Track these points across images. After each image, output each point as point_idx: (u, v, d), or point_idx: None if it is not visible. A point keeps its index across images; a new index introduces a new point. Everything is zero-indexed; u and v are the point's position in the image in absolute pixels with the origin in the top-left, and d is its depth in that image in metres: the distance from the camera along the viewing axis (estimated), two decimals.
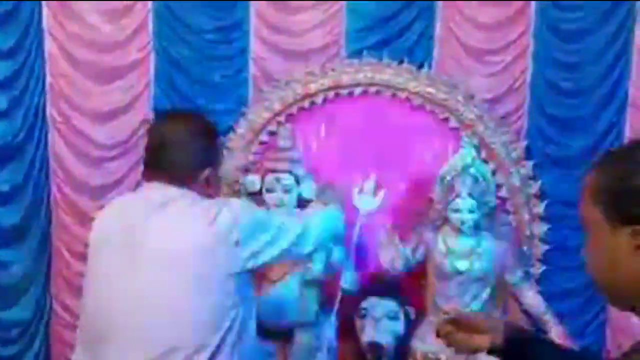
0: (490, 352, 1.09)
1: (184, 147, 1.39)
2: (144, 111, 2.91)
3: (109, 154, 2.93)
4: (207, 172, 1.39)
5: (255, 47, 2.84)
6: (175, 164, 1.38)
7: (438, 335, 1.14)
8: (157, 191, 1.39)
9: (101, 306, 1.37)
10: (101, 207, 2.88)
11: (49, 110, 2.94)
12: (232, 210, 1.34)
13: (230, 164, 2.66)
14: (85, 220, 2.94)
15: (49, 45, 2.89)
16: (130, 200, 1.53)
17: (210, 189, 1.41)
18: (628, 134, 2.68)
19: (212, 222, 1.32)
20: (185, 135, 1.40)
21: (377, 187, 2.32)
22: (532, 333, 1.26)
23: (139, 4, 2.83)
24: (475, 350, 1.11)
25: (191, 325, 1.30)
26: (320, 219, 1.55)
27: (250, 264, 1.36)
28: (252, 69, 2.85)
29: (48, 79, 2.91)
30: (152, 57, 2.87)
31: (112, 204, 1.53)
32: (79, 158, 2.94)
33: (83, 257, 2.92)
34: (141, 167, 2.83)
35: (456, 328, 1.11)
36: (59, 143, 2.95)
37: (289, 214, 1.85)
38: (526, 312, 2.50)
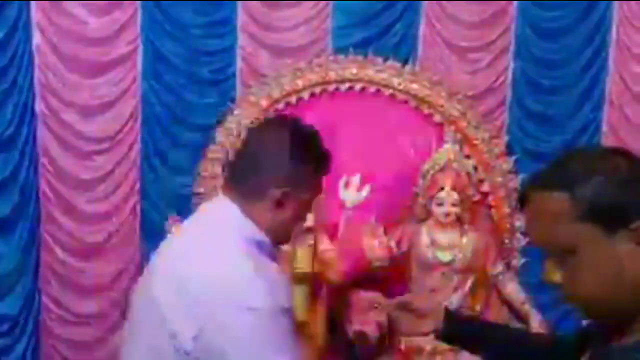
0: (436, 336, 1.15)
1: (257, 157, 1.10)
2: (132, 105, 2.94)
3: (98, 147, 2.96)
4: (278, 192, 1.07)
5: (242, 42, 2.88)
6: (244, 177, 1.10)
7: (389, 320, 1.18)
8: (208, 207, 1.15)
9: None
10: (89, 201, 2.96)
11: (38, 104, 2.96)
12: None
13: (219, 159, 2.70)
14: (74, 213, 2.97)
15: (37, 40, 2.90)
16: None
17: (283, 214, 1.09)
18: (605, 130, 2.76)
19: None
20: (266, 142, 1.12)
21: (363, 181, 2.36)
22: (468, 316, 1.33)
23: None
24: (421, 334, 1.18)
25: None
26: None
27: None
28: (240, 65, 2.89)
29: (36, 73, 2.93)
30: (140, 51, 2.90)
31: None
32: (68, 152, 2.97)
33: (72, 250, 2.97)
34: (131, 160, 2.92)
35: (404, 312, 1.17)
36: (47, 137, 2.97)
37: None
38: (507, 303, 2.57)
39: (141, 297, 1.13)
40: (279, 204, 1.10)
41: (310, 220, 2.10)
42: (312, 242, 2.08)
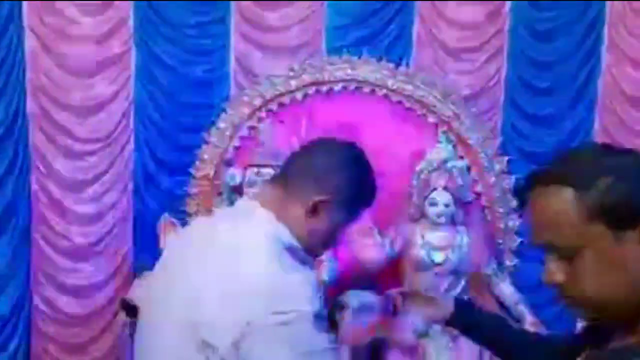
0: (446, 323, 1.18)
1: (311, 163, 1.09)
2: (125, 105, 2.93)
3: (90, 148, 2.94)
4: (316, 199, 1.06)
5: (236, 43, 2.87)
6: (288, 180, 1.09)
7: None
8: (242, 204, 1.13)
9: None
10: (81, 202, 2.94)
11: (30, 104, 2.94)
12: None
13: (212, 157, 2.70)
14: (66, 214, 2.95)
15: (29, 40, 2.88)
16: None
17: (315, 223, 1.08)
18: (597, 130, 2.77)
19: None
20: (326, 153, 1.11)
21: None
22: (476, 305, 1.35)
23: None
24: (429, 320, 1.21)
25: None
26: None
27: None
28: (233, 65, 2.88)
29: (28, 74, 2.91)
30: (133, 52, 2.89)
31: None
32: (60, 152, 2.95)
33: (63, 252, 2.95)
34: (124, 161, 2.91)
35: (414, 299, 1.22)
36: (39, 137, 2.95)
37: None
38: (500, 303, 2.58)
39: (164, 294, 1.08)
40: (314, 210, 1.08)
41: None
42: None
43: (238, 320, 0.97)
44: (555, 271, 0.77)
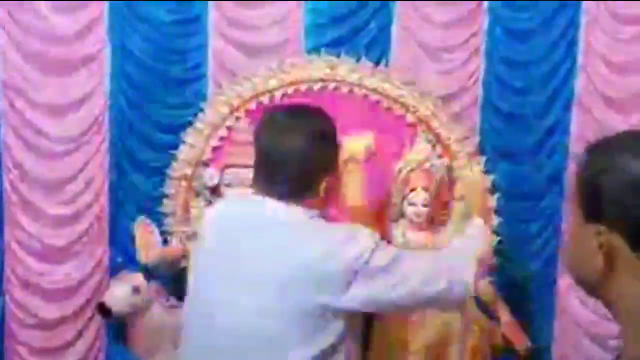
0: None
1: (303, 157, 1.19)
2: (100, 105, 2.87)
3: (64, 148, 2.88)
4: (326, 182, 1.21)
5: (214, 41, 2.84)
6: (292, 179, 1.20)
7: None
8: (269, 210, 1.23)
9: (203, 324, 1.26)
10: (55, 203, 2.87)
11: (1, 104, 2.86)
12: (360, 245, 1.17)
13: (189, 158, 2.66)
14: (39, 216, 2.89)
15: (1, 39, 2.81)
16: (237, 212, 1.32)
17: (329, 199, 1.25)
18: (574, 130, 2.80)
19: (330, 254, 1.15)
20: (304, 141, 1.20)
21: None
22: None
23: None
24: None
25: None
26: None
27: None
28: (211, 64, 2.85)
29: (0, 73, 2.84)
30: (109, 50, 2.84)
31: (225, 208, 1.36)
32: (33, 153, 2.88)
33: (37, 254, 2.89)
34: (99, 161, 2.85)
35: None
36: (11, 137, 2.88)
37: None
38: (478, 300, 2.59)
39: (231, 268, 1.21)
40: (326, 192, 1.22)
41: None
42: None
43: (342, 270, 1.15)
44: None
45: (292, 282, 1.16)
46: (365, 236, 1.20)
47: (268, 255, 1.18)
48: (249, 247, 1.20)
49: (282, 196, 1.22)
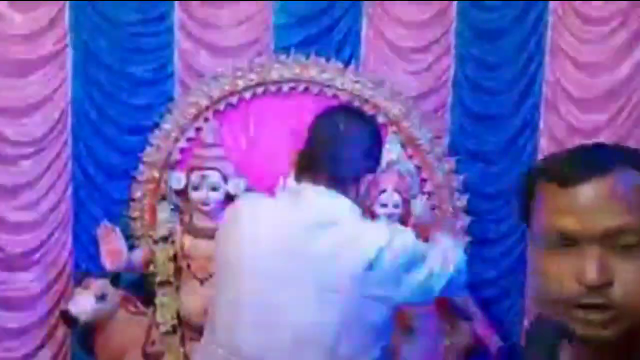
0: None
1: (360, 145, 1.30)
2: (61, 106, 2.77)
3: (24, 152, 2.77)
4: (366, 179, 1.32)
5: (180, 41, 2.78)
6: (344, 162, 1.28)
7: None
8: (319, 200, 1.30)
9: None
10: (15, 209, 2.77)
11: None
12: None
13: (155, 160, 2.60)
14: None
15: None
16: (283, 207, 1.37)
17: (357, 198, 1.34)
18: (542, 130, 2.82)
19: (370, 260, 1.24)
20: (362, 131, 1.30)
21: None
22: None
23: None
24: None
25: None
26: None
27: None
28: (177, 64, 2.78)
29: None
30: (70, 50, 2.74)
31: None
32: None
33: None
34: (61, 165, 2.76)
35: None
36: None
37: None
38: (451, 301, 2.59)
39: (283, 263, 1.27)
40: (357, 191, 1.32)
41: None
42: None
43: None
44: (605, 269, 0.66)
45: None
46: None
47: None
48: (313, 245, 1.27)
49: (330, 183, 1.30)
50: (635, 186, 0.67)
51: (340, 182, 1.29)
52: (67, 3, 2.70)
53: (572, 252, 0.68)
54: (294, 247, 1.27)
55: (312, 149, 1.32)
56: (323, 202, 1.29)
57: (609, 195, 0.67)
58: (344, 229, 1.27)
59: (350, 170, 1.30)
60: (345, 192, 1.30)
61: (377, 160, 1.36)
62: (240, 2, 2.76)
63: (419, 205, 2.49)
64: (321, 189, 1.30)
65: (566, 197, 0.69)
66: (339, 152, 1.29)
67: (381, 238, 1.26)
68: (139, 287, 2.58)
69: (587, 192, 0.67)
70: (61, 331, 2.81)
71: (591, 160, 0.69)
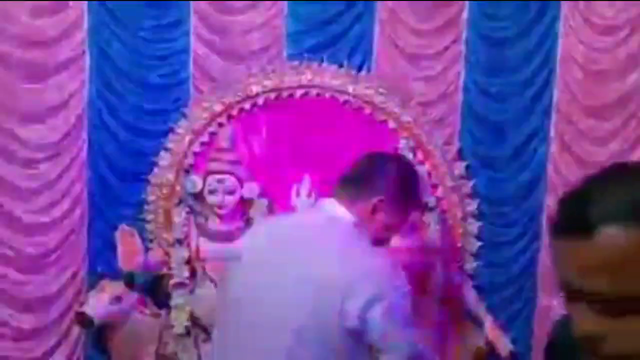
0: None
1: (375, 173, 1.39)
2: (78, 111, 2.82)
3: (40, 155, 2.82)
4: (375, 200, 1.36)
5: (195, 47, 2.82)
6: (356, 184, 1.38)
7: None
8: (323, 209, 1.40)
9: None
10: (32, 211, 2.81)
11: None
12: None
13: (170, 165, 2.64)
14: (15, 224, 2.83)
15: None
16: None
17: (373, 220, 1.36)
18: (553, 137, 2.85)
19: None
20: (386, 166, 1.41)
21: (311, 189, 2.40)
22: None
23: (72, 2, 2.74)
24: None
25: None
26: None
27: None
28: (192, 69, 2.83)
29: None
30: (87, 55, 2.79)
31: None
32: (7, 160, 2.82)
33: (13, 263, 2.81)
34: (77, 168, 2.80)
35: None
36: None
37: None
38: (462, 304, 2.62)
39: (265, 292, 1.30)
40: (374, 210, 1.36)
41: None
42: None
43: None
44: (596, 324, 0.64)
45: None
46: None
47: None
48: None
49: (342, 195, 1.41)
50: (627, 246, 0.62)
51: (354, 196, 1.39)
52: (86, 9, 2.75)
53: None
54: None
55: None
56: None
57: (596, 258, 0.63)
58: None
59: (355, 185, 1.41)
60: (356, 204, 1.39)
61: (384, 186, 1.42)
62: (254, 9, 2.80)
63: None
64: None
65: (560, 247, 0.67)
66: (351, 171, 1.44)
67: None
68: (154, 289, 2.61)
69: (575, 250, 0.64)
70: (75, 332, 2.84)
71: (580, 218, 0.64)
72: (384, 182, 1.38)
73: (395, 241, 2.38)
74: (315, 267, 1.27)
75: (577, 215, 0.65)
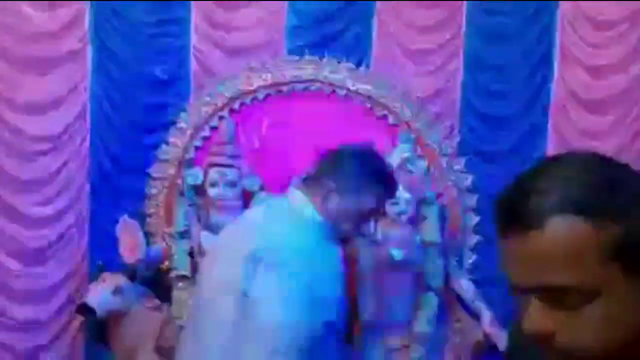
0: None
1: (334, 165, 1.48)
2: (80, 104, 2.84)
3: (42, 147, 2.84)
4: (327, 186, 1.43)
5: (196, 42, 2.84)
6: (317, 176, 1.47)
7: None
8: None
9: None
10: (33, 203, 2.84)
11: None
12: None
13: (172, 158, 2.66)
14: (17, 216, 2.85)
15: None
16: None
17: (328, 206, 1.44)
18: (551, 132, 2.86)
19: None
20: (335, 151, 1.52)
21: None
22: None
23: None
24: None
25: None
26: None
27: None
28: (193, 64, 2.85)
29: None
30: (90, 49, 2.81)
31: None
32: (10, 152, 2.84)
33: (15, 255, 2.84)
34: (79, 161, 2.82)
35: None
36: None
37: None
38: (459, 299, 2.64)
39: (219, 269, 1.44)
40: (326, 197, 1.43)
41: None
42: None
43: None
44: (545, 319, 0.63)
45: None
46: None
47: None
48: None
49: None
50: (575, 237, 0.60)
51: (313, 187, 1.48)
52: (88, 3, 2.77)
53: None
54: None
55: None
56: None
57: (544, 251, 0.61)
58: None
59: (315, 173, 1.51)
60: (316, 193, 1.47)
61: (336, 177, 1.48)
62: (255, 4, 2.82)
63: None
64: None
65: (505, 246, 0.65)
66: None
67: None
68: (155, 282, 2.63)
69: (520, 245, 0.62)
70: (76, 324, 2.86)
71: (523, 211, 0.62)
72: (335, 175, 1.45)
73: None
74: (243, 243, 1.38)
75: (523, 209, 0.62)
